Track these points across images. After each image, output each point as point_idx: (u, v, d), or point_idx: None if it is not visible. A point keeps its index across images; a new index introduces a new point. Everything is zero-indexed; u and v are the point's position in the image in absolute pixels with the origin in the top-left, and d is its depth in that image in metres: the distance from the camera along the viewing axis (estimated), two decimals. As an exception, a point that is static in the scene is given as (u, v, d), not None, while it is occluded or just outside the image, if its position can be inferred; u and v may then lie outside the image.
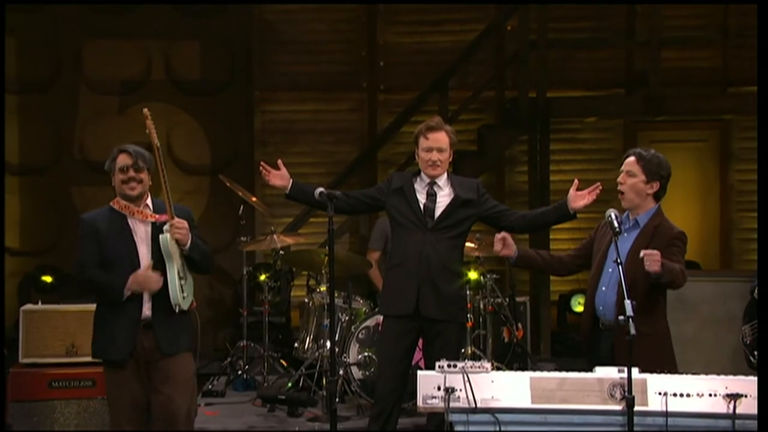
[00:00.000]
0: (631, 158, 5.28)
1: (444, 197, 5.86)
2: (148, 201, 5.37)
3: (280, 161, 5.99)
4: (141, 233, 5.31)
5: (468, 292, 7.26)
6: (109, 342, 5.24)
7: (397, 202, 5.89)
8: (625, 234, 5.12)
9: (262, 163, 6.03)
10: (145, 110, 5.23)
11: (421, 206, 5.83)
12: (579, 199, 5.68)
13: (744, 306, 5.90)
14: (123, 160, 5.30)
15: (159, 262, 5.24)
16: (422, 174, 5.90)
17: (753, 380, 4.59)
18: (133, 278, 5.17)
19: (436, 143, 5.81)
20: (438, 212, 5.82)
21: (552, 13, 9.88)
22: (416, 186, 5.89)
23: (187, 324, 5.38)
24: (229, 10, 10.68)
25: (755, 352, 5.63)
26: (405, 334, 5.83)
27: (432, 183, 5.87)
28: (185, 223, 5.28)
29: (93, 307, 6.55)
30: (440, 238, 5.79)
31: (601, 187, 5.61)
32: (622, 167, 5.32)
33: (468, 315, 7.28)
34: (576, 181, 5.69)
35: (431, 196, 5.85)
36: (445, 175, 5.91)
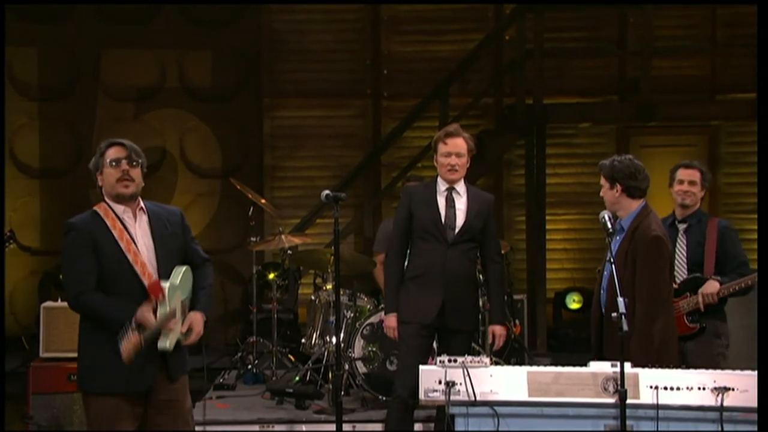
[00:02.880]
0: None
1: (462, 205, 5.90)
2: (141, 204, 4.60)
3: None
4: (141, 238, 4.53)
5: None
6: (120, 373, 4.37)
7: (420, 214, 5.90)
8: (617, 237, 5.30)
9: None
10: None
11: (443, 217, 5.86)
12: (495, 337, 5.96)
13: None
14: (115, 152, 4.51)
15: (165, 273, 4.51)
16: (440, 180, 5.92)
17: (740, 374, 4.72)
18: (142, 315, 4.35)
19: (455, 148, 5.83)
20: (458, 224, 5.85)
21: (548, 24, 9.91)
22: (437, 195, 5.90)
23: (187, 346, 4.65)
24: (240, 21, 10.83)
25: None
26: (425, 340, 5.92)
27: (450, 188, 5.91)
28: (200, 326, 4.53)
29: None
30: (461, 251, 5.85)
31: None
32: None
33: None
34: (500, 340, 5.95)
35: (450, 201, 5.88)
36: (463, 181, 5.94)
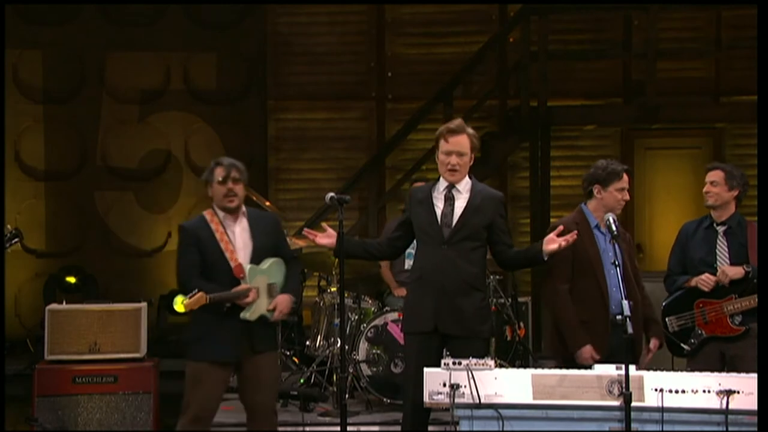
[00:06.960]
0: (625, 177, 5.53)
1: (462, 201, 5.45)
2: (243, 209, 5.55)
3: (325, 225, 5.80)
4: (239, 237, 5.48)
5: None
6: (218, 344, 5.41)
7: (418, 214, 5.52)
8: (607, 238, 5.40)
9: (306, 230, 5.75)
10: None
11: (438, 215, 5.45)
12: (552, 242, 5.31)
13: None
14: (221, 172, 5.45)
15: (257, 263, 5.48)
16: (440, 179, 5.53)
17: (745, 377, 4.74)
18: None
19: (457, 146, 5.41)
20: (455, 221, 5.42)
21: (552, 26, 9.95)
22: (435, 194, 5.51)
23: (276, 325, 5.72)
24: (245, 24, 10.91)
25: (691, 340, 5.85)
26: (428, 351, 5.37)
27: (451, 187, 5.48)
28: (285, 305, 5.54)
29: (114, 306, 6.82)
30: (459, 251, 5.41)
31: (576, 236, 5.33)
32: (622, 185, 5.51)
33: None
34: (561, 227, 5.37)
35: (449, 200, 5.46)
36: (467, 179, 5.50)
